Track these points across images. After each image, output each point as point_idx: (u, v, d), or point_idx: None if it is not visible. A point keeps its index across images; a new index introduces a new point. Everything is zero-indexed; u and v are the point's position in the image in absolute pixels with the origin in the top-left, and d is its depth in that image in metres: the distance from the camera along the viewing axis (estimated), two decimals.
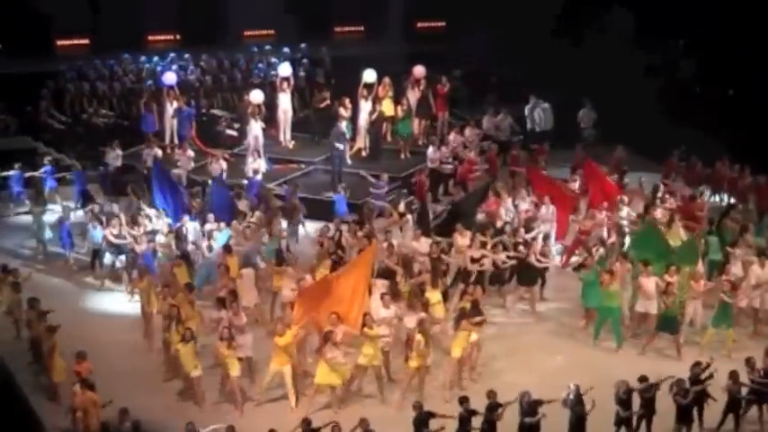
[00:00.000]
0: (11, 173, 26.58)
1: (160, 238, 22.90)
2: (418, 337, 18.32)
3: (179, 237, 23.01)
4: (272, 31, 35.32)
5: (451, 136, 28.71)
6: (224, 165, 26.71)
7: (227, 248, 21.89)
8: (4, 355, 20.09)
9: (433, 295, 20.23)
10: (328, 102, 29.11)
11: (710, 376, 17.53)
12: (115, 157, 27.52)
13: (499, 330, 21.27)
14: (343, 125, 27.51)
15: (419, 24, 36.61)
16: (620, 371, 18.01)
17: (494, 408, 16.78)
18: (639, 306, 20.68)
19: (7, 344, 20.51)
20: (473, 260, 21.70)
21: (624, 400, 17.08)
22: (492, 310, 21.57)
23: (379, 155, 28.51)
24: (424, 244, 22.35)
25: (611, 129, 29.39)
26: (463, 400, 16.92)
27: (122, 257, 22.95)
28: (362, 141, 28.62)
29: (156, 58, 32.11)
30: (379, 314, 19.27)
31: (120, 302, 22.43)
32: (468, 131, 29.07)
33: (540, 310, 22.18)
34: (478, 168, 27.62)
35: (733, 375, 17.68)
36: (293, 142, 29.31)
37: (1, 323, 20.91)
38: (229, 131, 29.67)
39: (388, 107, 28.56)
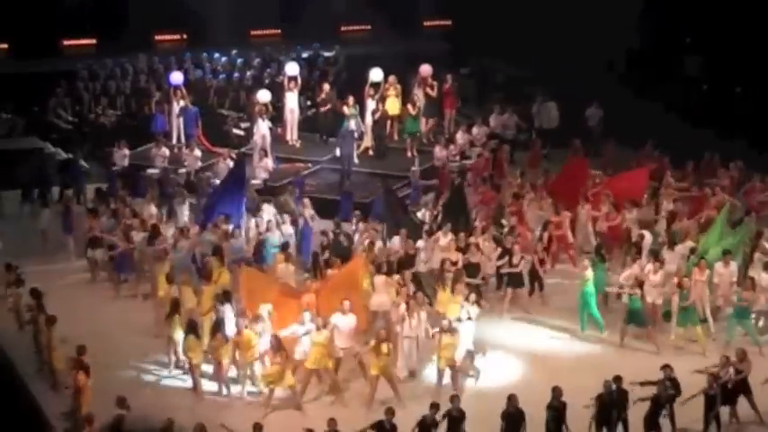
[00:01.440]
0: None
1: (138, 236, 22.74)
2: (384, 347, 18.30)
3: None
4: (277, 31, 35.39)
5: (459, 134, 28.74)
6: (230, 164, 26.78)
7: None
8: (5, 346, 20.24)
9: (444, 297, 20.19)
10: (323, 96, 29.15)
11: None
12: (122, 156, 27.57)
13: (503, 330, 21.25)
14: (352, 124, 27.52)
15: (426, 23, 36.60)
16: (625, 369, 17.98)
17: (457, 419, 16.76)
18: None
19: (9, 335, 20.64)
20: (452, 263, 21.51)
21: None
22: (495, 312, 21.67)
23: (384, 154, 28.50)
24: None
25: (617, 127, 29.41)
26: (454, 399, 16.97)
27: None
28: (369, 140, 28.63)
29: (172, 58, 32.22)
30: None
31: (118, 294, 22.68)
32: (475, 130, 29.09)
33: (542, 311, 22.14)
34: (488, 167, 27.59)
35: (710, 377, 17.51)
36: (300, 141, 29.32)
37: (3, 314, 21.08)
38: (236, 131, 29.70)
39: (392, 106, 28.56)
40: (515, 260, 21.76)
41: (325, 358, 18.49)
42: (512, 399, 16.79)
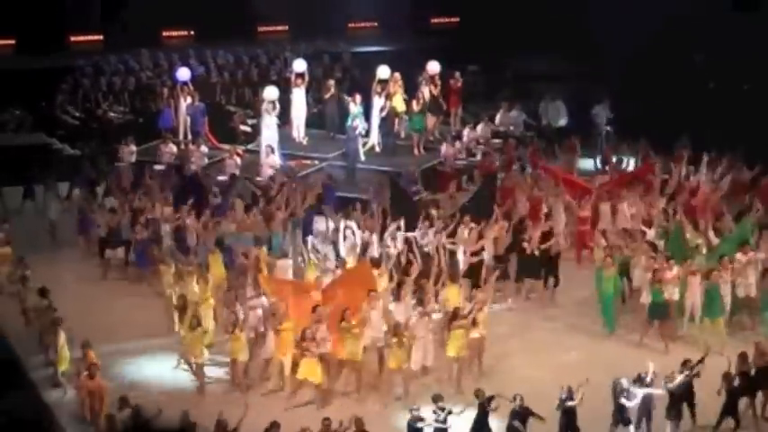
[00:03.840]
0: None
1: (165, 228, 22.88)
2: (393, 339, 18.33)
3: None
4: (285, 27, 35.38)
5: (465, 132, 28.71)
6: (238, 160, 26.81)
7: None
8: (13, 342, 20.29)
9: (451, 291, 20.14)
10: (333, 92, 29.14)
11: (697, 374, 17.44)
12: (130, 152, 27.58)
13: (513, 326, 21.29)
14: (356, 121, 27.52)
15: (433, 20, 36.58)
16: (635, 366, 17.94)
17: (484, 407, 16.85)
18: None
19: (16, 332, 20.67)
20: (473, 254, 21.63)
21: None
22: (503, 306, 21.70)
23: (391, 151, 28.48)
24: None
25: (625, 124, 29.34)
26: (478, 393, 17.06)
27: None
28: (376, 137, 28.61)
29: (174, 55, 32.20)
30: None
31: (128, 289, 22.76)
32: (481, 128, 29.06)
33: (553, 306, 22.18)
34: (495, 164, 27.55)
35: (726, 377, 17.51)
36: (307, 138, 29.31)
37: (9, 311, 21.15)
38: (243, 127, 29.70)
39: (398, 103, 28.53)
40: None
41: (358, 350, 18.47)
42: (516, 398, 16.88)
